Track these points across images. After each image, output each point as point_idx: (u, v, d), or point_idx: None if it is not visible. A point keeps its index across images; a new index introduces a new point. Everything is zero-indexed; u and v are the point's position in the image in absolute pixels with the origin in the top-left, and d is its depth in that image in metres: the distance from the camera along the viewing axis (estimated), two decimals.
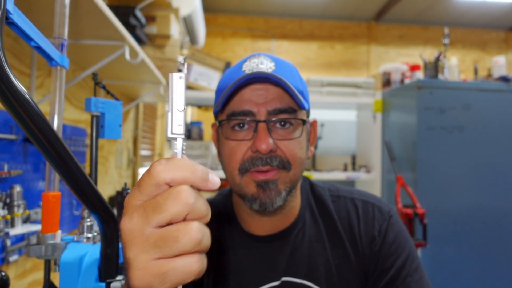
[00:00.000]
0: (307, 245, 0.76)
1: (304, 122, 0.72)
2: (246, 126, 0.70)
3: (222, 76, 0.77)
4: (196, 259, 0.31)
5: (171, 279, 0.31)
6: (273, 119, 0.68)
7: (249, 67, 0.70)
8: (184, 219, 0.32)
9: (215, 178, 0.33)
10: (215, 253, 0.77)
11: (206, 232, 0.32)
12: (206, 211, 0.32)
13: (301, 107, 0.71)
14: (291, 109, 0.69)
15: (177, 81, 0.33)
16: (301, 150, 0.71)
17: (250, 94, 0.69)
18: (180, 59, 0.34)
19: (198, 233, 0.31)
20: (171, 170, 0.32)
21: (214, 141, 0.80)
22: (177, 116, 0.34)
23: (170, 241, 0.31)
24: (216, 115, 0.75)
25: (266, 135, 0.67)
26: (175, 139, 0.34)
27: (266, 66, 0.70)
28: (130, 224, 0.32)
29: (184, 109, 0.34)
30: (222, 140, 0.73)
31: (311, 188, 0.84)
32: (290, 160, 0.69)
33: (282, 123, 0.69)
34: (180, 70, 0.34)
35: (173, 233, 0.31)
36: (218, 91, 0.74)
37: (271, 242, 0.76)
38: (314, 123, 0.81)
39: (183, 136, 0.34)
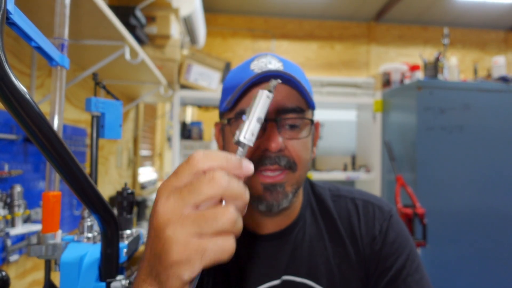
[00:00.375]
0: (308, 244, 0.76)
1: (312, 122, 0.72)
2: None
3: (228, 75, 0.77)
4: (232, 240, 0.34)
5: (210, 255, 0.34)
6: (282, 118, 0.68)
7: (258, 66, 0.70)
8: (220, 201, 0.35)
9: (249, 164, 0.37)
10: None
11: (240, 216, 0.35)
12: (242, 191, 0.35)
13: (310, 106, 0.71)
14: (299, 108, 0.70)
15: (265, 99, 0.38)
16: (307, 151, 0.72)
17: None
18: (274, 83, 0.39)
19: (234, 214, 0.34)
20: (209, 160, 0.35)
21: (218, 140, 0.80)
22: (254, 126, 0.38)
23: (210, 220, 0.34)
24: (223, 113, 0.75)
25: (276, 134, 0.67)
26: (243, 145, 0.38)
27: (274, 65, 0.70)
28: (167, 205, 0.35)
29: (262, 122, 0.38)
30: (229, 139, 0.73)
31: (311, 187, 0.84)
32: (296, 160, 0.69)
33: (291, 123, 0.69)
34: (270, 91, 0.38)
35: (212, 213, 0.34)
36: (226, 90, 0.74)
37: (272, 241, 0.76)
38: (317, 124, 0.81)
39: (251, 145, 0.38)
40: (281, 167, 0.68)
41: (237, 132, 0.38)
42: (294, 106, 0.69)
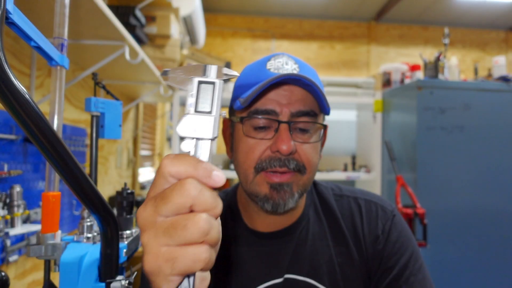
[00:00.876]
0: (311, 243, 0.76)
1: (324, 127, 0.72)
2: (267, 126, 0.70)
3: (243, 72, 0.76)
4: (204, 249, 0.33)
5: (179, 265, 0.32)
6: (296, 121, 0.68)
7: (274, 66, 0.70)
8: (192, 211, 0.33)
9: (219, 175, 0.34)
10: (218, 250, 0.77)
11: (215, 225, 0.34)
12: (213, 203, 0.33)
13: (326, 111, 0.71)
14: (313, 112, 0.70)
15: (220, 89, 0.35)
16: (316, 155, 0.72)
17: (275, 94, 0.69)
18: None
19: (205, 223, 0.32)
20: (176, 165, 0.34)
21: (225, 136, 0.80)
22: (217, 123, 0.35)
23: (179, 229, 0.32)
24: (235, 111, 0.74)
25: (288, 137, 0.67)
26: (202, 139, 0.35)
27: (291, 67, 0.71)
28: (144, 213, 0.34)
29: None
30: (240, 137, 0.72)
31: (314, 186, 0.84)
32: (305, 164, 0.69)
33: (303, 126, 0.69)
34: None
35: (182, 222, 0.33)
36: (241, 87, 0.73)
37: (275, 239, 0.76)
38: (326, 128, 0.81)
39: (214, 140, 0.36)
40: (290, 170, 0.68)
41: (192, 129, 0.35)
42: (308, 110, 0.69)
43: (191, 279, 0.34)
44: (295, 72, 0.69)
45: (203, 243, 0.33)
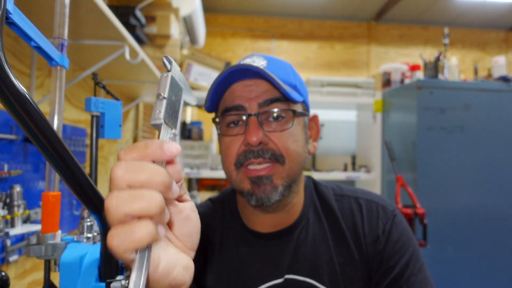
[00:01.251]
0: (311, 243, 0.76)
1: (294, 112, 0.71)
2: (239, 122, 0.71)
3: None
4: (115, 232, 0.30)
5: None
6: (264, 111, 0.69)
7: None
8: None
9: (171, 144, 0.33)
10: (218, 250, 0.78)
11: (139, 195, 0.30)
12: (144, 177, 0.31)
13: (286, 96, 0.69)
14: (284, 98, 0.70)
15: (164, 79, 0.37)
16: (295, 142, 0.71)
17: (242, 90, 0.70)
18: (164, 60, 0.38)
19: (113, 200, 0.30)
20: (128, 152, 0.33)
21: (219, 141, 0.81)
22: (159, 105, 0.36)
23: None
24: (215, 114, 0.77)
25: (256, 128, 0.68)
26: (157, 126, 0.36)
27: (258, 64, 0.71)
28: None
29: (165, 97, 0.36)
30: (219, 138, 0.75)
31: (315, 186, 0.84)
32: (283, 152, 0.69)
33: (274, 115, 0.70)
34: (168, 71, 0.38)
35: None
36: None
37: (275, 240, 0.77)
38: (314, 117, 0.81)
39: (161, 122, 0.35)
40: (266, 160, 0.69)
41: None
42: (278, 96, 0.69)
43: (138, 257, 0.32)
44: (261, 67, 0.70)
45: (123, 222, 0.30)
